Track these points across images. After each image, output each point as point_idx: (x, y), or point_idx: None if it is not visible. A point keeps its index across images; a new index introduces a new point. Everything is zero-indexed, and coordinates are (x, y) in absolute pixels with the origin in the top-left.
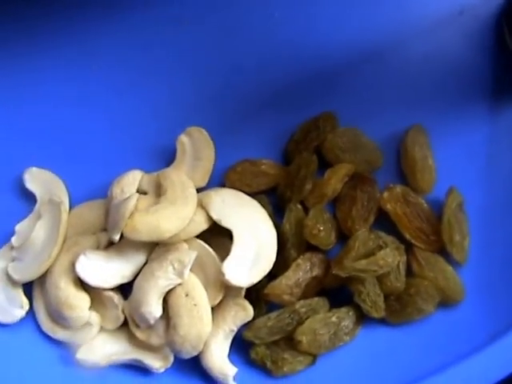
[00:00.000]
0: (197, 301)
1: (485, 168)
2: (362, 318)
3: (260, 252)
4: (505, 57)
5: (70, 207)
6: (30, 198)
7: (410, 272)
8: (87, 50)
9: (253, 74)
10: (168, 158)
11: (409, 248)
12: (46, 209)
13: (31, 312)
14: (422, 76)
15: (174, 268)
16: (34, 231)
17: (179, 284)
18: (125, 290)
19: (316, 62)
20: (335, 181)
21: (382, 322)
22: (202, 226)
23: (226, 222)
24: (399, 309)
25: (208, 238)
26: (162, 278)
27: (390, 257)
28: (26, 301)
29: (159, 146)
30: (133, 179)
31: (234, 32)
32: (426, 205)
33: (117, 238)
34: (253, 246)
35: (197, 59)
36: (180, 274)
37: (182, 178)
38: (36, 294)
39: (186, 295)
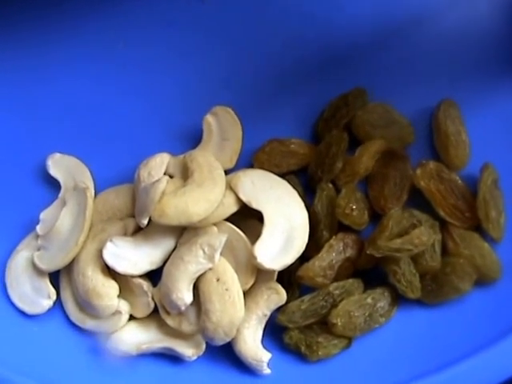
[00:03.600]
0: (228, 285)
1: None
2: (397, 299)
3: (292, 233)
4: None
5: (95, 193)
6: (53, 185)
7: (445, 250)
8: (112, 28)
9: (280, 52)
10: (194, 139)
11: (443, 226)
12: (70, 195)
13: (59, 302)
14: (453, 49)
15: (204, 252)
16: (59, 219)
17: (210, 269)
18: (153, 276)
19: (345, 38)
20: (367, 158)
21: (418, 302)
22: (232, 208)
23: (256, 204)
24: (435, 288)
25: (237, 220)
26: (192, 262)
27: (426, 235)
28: (53, 291)
29: (185, 128)
30: (160, 162)
31: (261, 9)
32: (460, 181)
33: (145, 222)
34: (284, 227)
35: (223, 38)
36: (210, 259)
37: (210, 160)
38: (63, 283)
39: (217, 280)
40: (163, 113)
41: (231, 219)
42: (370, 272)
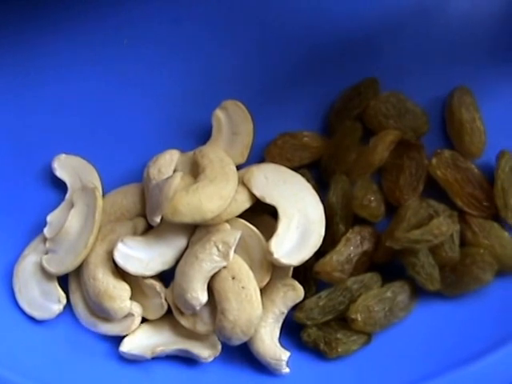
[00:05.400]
0: (244, 283)
1: None
2: (417, 292)
3: (308, 228)
4: None
5: (103, 194)
6: (60, 187)
7: (463, 241)
8: (116, 26)
9: (289, 45)
10: (203, 135)
11: (461, 216)
12: (78, 196)
13: (68, 306)
14: (465, 36)
15: (218, 250)
16: (67, 221)
17: (224, 267)
18: (165, 276)
19: (355, 29)
20: (382, 148)
21: (438, 295)
22: (245, 204)
23: (270, 199)
24: (455, 280)
25: (250, 216)
26: (207, 260)
27: (445, 225)
28: (63, 294)
29: (193, 124)
30: (170, 159)
31: (269, 3)
32: (476, 170)
33: (158, 220)
34: (300, 221)
35: (231, 31)
36: (225, 256)
37: (221, 155)
38: (73, 286)
39: (233, 278)
40: (171, 110)
41: (243, 215)
42: (387, 265)
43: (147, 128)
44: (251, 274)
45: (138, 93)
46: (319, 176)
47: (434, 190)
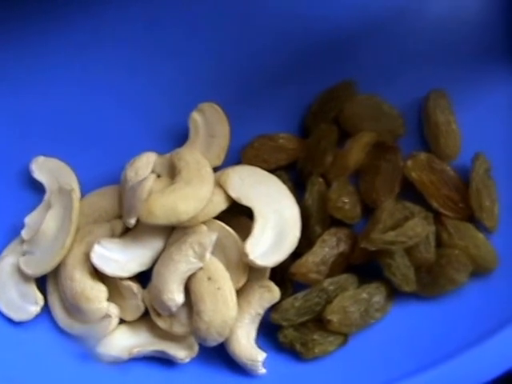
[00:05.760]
0: (220, 284)
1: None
2: (393, 293)
3: (283, 229)
4: None
5: (81, 196)
6: (38, 189)
7: (439, 242)
8: (91, 29)
9: (265, 48)
10: (180, 138)
11: (436, 217)
12: (56, 198)
13: (46, 308)
14: (440, 39)
15: (194, 251)
16: (45, 222)
17: (200, 268)
18: (143, 278)
19: (331, 31)
20: (357, 150)
21: (414, 296)
22: (221, 205)
23: (245, 200)
24: (431, 281)
25: (227, 218)
26: (182, 262)
27: (420, 226)
28: (40, 296)
29: (171, 126)
30: (147, 161)
31: (245, 7)
32: (452, 171)
33: (133, 222)
34: (275, 223)
35: (207, 33)
36: (201, 257)
37: (197, 157)
38: (50, 288)
39: (209, 279)
40: (148, 112)
41: (220, 217)
42: (364, 267)
43: (125, 130)
44: (227, 275)
45: (116, 95)
46: (296, 177)
47: (411, 191)
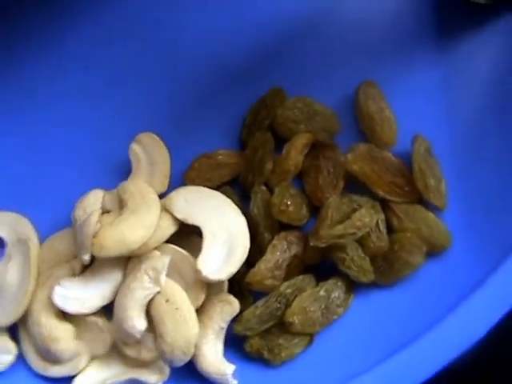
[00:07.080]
0: (178, 304)
1: (446, 110)
2: (352, 286)
3: (232, 241)
4: None
5: (41, 242)
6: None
7: (391, 229)
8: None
9: (193, 68)
10: (127, 171)
11: (385, 205)
12: (15, 249)
13: (21, 354)
14: (363, 32)
15: (149, 277)
16: (8, 274)
17: (158, 292)
18: (109, 311)
19: (254, 41)
20: (295, 153)
21: (374, 286)
22: (170, 229)
23: (191, 220)
24: (387, 268)
25: (180, 240)
26: (139, 288)
27: (367, 216)
28: (13, 344)
29: (117, 161)
30: (94, 199)
31: (164, 28)
32: (394, 158)
33: (87, 258)
34: (224, 237)
35: (130, 68)
36: (156, 282)
37: (141, 186)
38: (22, 334)
39: (167, 301)
40: (90, 153)
41: (173, 240)
42: (322, 266)
43: (75, 170)
44: (184, 294)
45: (55, 141)
46: (243, 191)
47: (357, 185)
